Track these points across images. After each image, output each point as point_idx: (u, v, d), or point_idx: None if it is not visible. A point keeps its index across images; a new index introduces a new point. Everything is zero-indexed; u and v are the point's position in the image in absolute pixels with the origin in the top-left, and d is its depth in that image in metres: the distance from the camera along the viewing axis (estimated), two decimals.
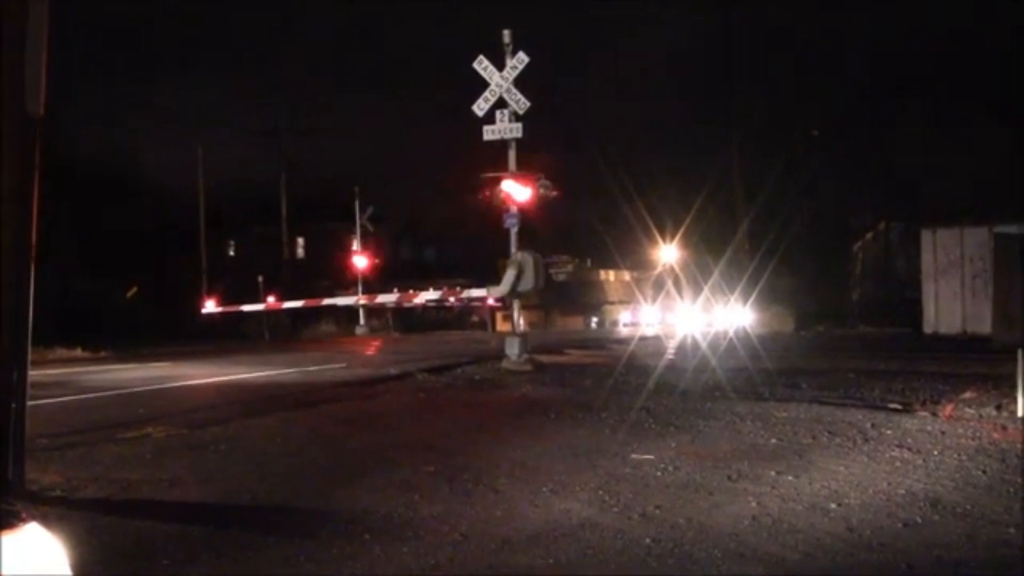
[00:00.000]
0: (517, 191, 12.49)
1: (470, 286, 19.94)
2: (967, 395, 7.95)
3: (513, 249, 12.57)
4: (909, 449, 5.43)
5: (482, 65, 12.48)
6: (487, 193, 12.66)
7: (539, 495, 4.36)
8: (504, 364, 12.00)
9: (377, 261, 34.39)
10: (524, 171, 12.64)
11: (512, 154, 12.61)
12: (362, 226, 32.47)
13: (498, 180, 12.57)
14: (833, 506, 4.06)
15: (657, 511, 4.01)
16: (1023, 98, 26.74)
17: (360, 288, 29.93)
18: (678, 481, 4.65)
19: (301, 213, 37.97)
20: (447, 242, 49.85)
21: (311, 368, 12.77)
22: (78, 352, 17.86)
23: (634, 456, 5.34)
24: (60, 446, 5.71)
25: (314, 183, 41.43)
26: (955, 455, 5.22)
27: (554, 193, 12.72)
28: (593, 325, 43.12)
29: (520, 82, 12.42)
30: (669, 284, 35.26)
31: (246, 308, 23.09)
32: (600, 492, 4.39)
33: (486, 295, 15.31)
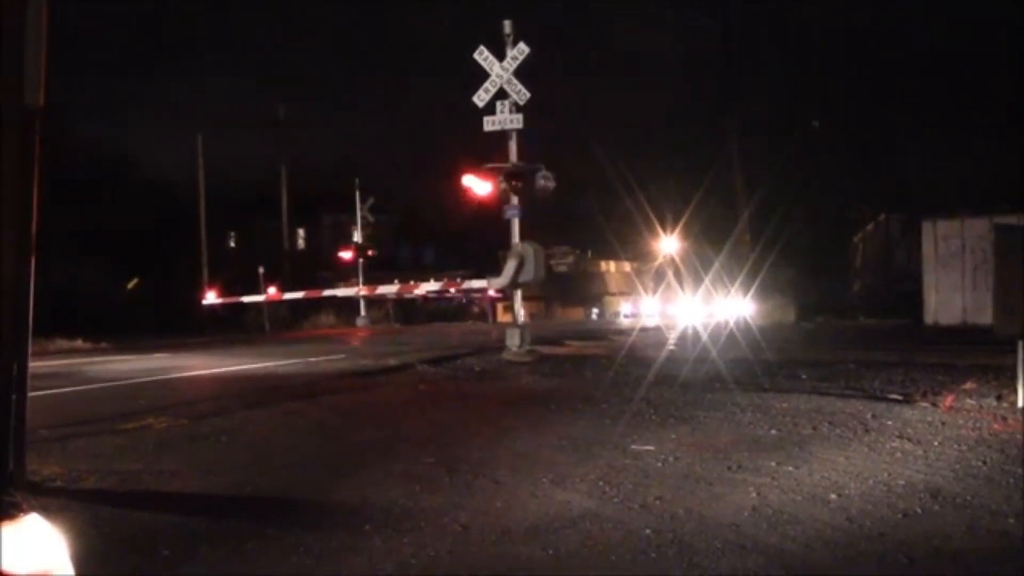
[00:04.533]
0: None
1: (470, 277, 19.95)
2: (967, 386, 7.94)
3: (514, 240, 12.56)
4: (909, 440, 5.43)
5: (483, 56, 12.46)
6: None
7: (539, 486, 4.37)
8: (505, 355, 12.02)
9: (377, 252, 34.41)
10: (524, 162, 12.63)
11: (513, 145, 12.59)
12: (362, 217, 32.47)
13: (499, 171, 12.56)
14: (833, 497, 4.07)
15: (657, 502, 4.02)
16: (1022, 92, 26.74)
17: (360, 279, 29.96)
18: (678, 472, 4.65)
19: (301, 205, 37.97)
20: (447, 234, 49.87)
21: (311, 359, 12.78)
22: (79, 343, 17.88)
23: (634, 447, 5.35)
24: (61, 437, 5.73)
25: (314, 175, 41.47)
26: (955, 446, 5.22)
27: (553, 185, 12.70)
28: (594, 316, 43.17)
29: (521, 73, 12.40)
30: (670, 275, 35.31)
31: (246, 299, 23.14)
32: (600, 483, 4.40)
33: (487, 286, 15.34)
